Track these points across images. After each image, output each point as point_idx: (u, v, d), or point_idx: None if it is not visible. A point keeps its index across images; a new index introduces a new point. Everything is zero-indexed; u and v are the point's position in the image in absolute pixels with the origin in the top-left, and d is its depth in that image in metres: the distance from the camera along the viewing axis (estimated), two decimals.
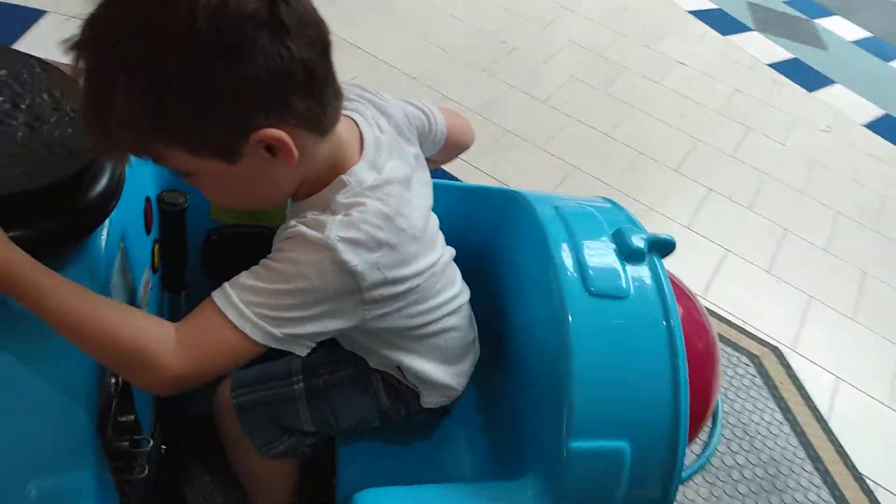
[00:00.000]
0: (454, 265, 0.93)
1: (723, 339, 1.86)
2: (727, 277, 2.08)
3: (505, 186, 1.04)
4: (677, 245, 0.90)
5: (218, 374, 0.72)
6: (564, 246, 0.87)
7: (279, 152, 0.67)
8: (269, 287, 0.68)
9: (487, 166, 2.20)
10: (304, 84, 0.65)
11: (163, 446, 0.98)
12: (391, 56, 2.55)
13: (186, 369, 0.67)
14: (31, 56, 0.78)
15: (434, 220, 0.89)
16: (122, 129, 0.62)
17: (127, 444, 0.78)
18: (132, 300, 0.85)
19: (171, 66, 0.60)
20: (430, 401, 0.95)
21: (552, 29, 3.02)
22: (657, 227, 2.16)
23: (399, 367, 0.92)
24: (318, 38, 0.66)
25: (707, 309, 1.95)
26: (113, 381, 0.75)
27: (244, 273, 0.71)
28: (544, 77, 2.72)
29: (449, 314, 0.90)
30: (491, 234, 1.03)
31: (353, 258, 0.70)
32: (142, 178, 0.91)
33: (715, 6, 3.55)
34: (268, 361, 0.95)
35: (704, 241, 2.18)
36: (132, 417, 0.80)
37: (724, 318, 1.93)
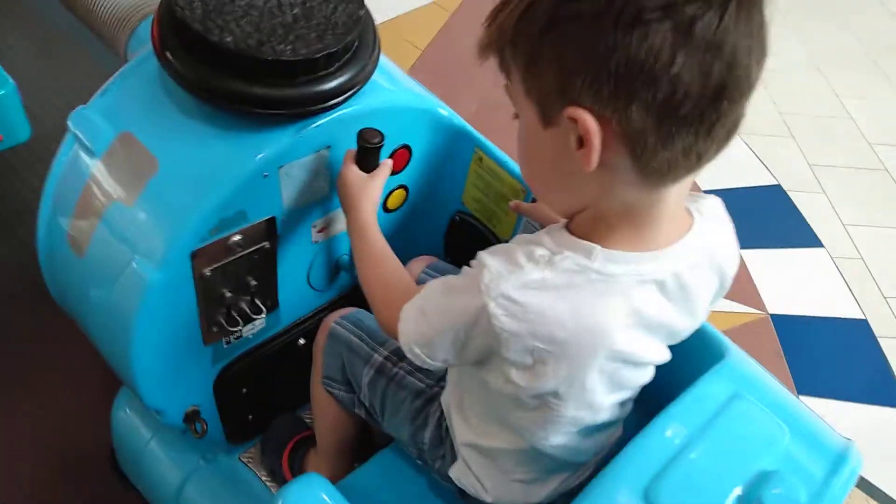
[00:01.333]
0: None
1: None
2: None
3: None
4: None
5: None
6: None
7: (581, 148, 0.57)
8: (433, 325, 0.69)
9: None
10: (659, 104, 0.53)
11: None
12: None
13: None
14: None
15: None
16: (497, 28, 0.60)
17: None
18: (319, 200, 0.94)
19: None
20: (456, 476, 0.85)
21: None
22: None
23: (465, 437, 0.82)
24: (719, 77, 0.52)
25: None
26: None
27: (437, 284, 0.70)
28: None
29: (573, 433, 0.73)
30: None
31: (507, 322, 0.61)
32: (402, 128, 0.97)
33: None
34: None
35: None
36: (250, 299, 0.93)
37: None
